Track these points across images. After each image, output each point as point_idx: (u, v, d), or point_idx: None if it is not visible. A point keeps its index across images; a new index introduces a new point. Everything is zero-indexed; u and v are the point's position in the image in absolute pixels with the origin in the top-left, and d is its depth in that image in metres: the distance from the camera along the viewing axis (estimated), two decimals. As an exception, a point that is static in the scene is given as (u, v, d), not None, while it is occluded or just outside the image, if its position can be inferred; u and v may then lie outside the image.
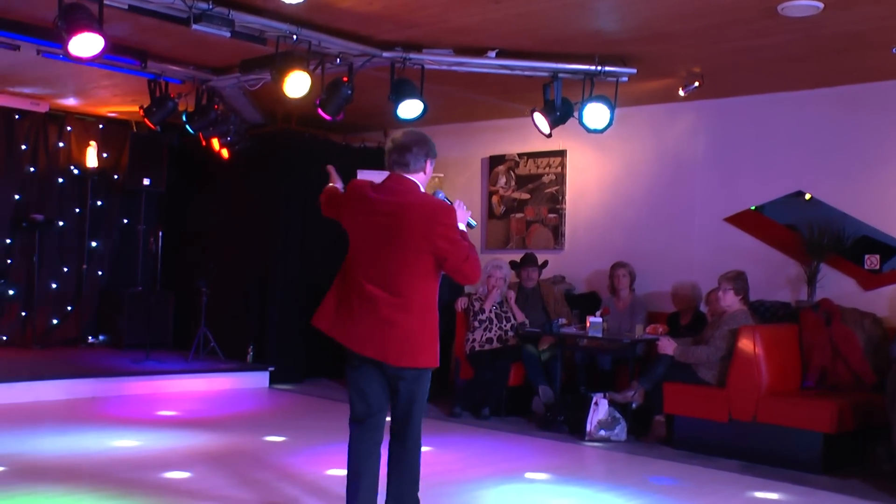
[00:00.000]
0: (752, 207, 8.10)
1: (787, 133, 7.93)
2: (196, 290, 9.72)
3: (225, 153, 9.13)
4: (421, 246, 3.94)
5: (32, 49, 7.09)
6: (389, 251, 3.96)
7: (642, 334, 7.50)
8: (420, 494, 4.34)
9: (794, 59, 6.90)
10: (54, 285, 10.54)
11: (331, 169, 4.60)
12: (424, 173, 4.11)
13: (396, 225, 3.95)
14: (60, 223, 10.56)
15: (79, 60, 5.95)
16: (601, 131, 7.39)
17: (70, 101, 9.99)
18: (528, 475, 5.81)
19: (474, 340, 8.14)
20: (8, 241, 10.20)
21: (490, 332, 8.15)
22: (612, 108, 7.26)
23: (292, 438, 6.68)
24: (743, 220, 8.14)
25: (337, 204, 4.27)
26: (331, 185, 4.48)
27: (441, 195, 4.16)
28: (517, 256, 8.76)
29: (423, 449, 4.27)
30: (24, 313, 10.31)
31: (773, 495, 5.50)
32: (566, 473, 5.90)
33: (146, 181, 10.52)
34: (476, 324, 8.18)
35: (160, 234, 10.60)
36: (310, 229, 9.88)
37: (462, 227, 4.12)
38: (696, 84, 7.41)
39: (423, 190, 4.11)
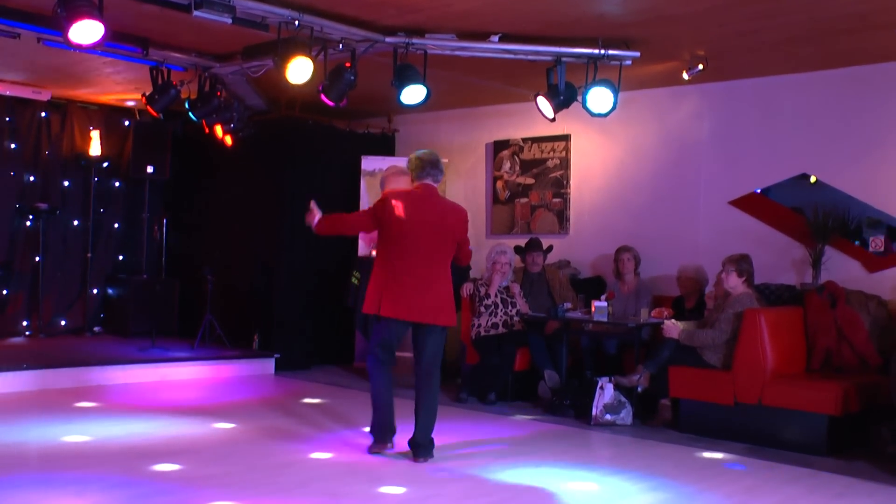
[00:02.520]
0: (757, 190, 8.08)
1: (791, 115, 7.90)
2: (201, 277, 9.73)
3: (228, 140, 9.11)
4: (454, 237, 5.73)
5: (33, 37, 7.05)
6: (436, 242, 5.62)
7: (647, 318, 7.49)
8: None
9: (799, 41, 6.86)
10: (59, 274, 10.55)
11: (313, 205, 5.78)
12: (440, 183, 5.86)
13: (442, 223, 5.66)
14: (64, 212, 10.56)
15: (79, 48, 5.94)
16: (605, 115, 7.37)
17: (72, 90, 9.97)
18: (534, 459, 5.81)
19: (480, 325, 8.14)
20: (12, 230, 10.21)
21: (496, 317, 8.14)
22: (615, 92, 7.23)
23: (298, 425, 6.69)
24: (748, 203, 8.12)
25: (372, 218, 5.67)
26: (319, 216, 5.72)
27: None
28: (522, 241, 8.73)
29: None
30: (29, 302, 10.33)
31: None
32: (572, 458, 5.91)
33: (150, 169, 10.54)
34: (482, 309, 8.17)
35: (164, 221, 10.59)
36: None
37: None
38: (700, 67, 7.37)
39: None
